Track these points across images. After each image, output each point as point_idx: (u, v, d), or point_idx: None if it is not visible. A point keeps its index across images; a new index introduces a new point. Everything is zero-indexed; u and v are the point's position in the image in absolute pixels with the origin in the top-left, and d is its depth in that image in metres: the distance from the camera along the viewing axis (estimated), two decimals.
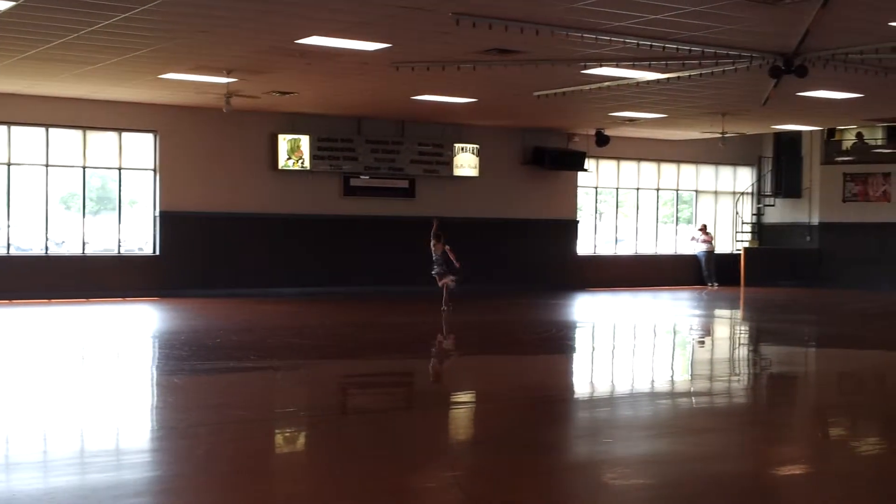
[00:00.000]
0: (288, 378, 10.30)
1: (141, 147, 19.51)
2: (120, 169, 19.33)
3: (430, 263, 17.20)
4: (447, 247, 16.99)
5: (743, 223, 27.00)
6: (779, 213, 26.76)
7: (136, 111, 19.03)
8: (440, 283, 17.14)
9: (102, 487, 5.87)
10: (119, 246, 19.51)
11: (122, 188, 19.43)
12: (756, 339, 15.51)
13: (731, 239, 26.80)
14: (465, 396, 9.81)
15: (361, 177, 21.30)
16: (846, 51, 13.03)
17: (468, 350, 12.97)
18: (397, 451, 6.95)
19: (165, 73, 15.26)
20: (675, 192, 26.04)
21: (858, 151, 25.67)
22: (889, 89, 16.03)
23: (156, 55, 13.77)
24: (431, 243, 17.16)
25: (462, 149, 22.22)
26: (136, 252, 19.78)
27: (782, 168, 26.28)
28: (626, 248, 25.20)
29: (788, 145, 26.21)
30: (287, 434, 7.78)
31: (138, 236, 19.83)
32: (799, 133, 25.51)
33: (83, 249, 19.13)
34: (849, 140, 25.98)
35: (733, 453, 7.13)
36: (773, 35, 12.24)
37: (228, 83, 15.70)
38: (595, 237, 24.84)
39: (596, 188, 24.74)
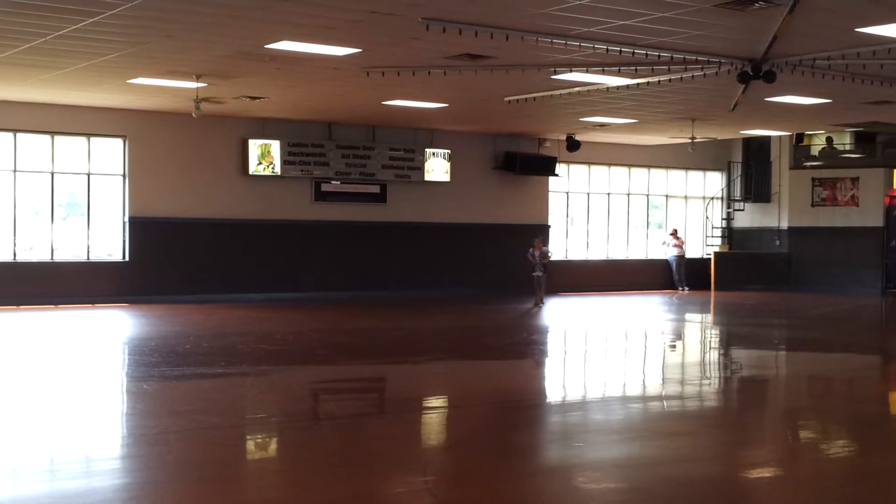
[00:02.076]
0: (258, 384, 10.25)
1: (110, 152, 19.37)
2: (89, 174, 19.20)
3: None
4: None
5: (713, 228, 27.16)
6: (748, 217, 26.93)
7: (105, 116, 18.91)
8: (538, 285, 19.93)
9: (72, 495, 5.83)
10: (88, 252, 19.36)
11: (90, 194, 19.29)
12: (726, 343, 15.59)
13: (702, 243, 26.94)
14: (436, 402, 9.79)
15: (332, 182, 21.25)
16: (814, 56, 13.14)
17: (440, 355, 12.96)
18: (368, 456, 6.93)
19: (134, 77, 15.16)
20: (645, 196, 26.15)
21: (827, 156, 25.89)
22: (856, 94, 16.17)
23: (125, 60, 13.68)
24: (537, 249, 19.96)
25: (433, 154, 22.23)
26: (106, 258, 19.63)
27: (752, 173, 26.46)
28: (597, 253, 25.26)
29: (758, 150, 26.40)
30: (257, 440, 7.73)
31: (108, 242, 19.68)
32: (768, 138, 25.69)
33: (52, 255, 18.96)
34: (817, 145, 26.19)
35: (704, 456, 7.15)
36: (742, 41, 12.32)
37: (198, 88, 15.62)
38: (566, 242, 24.90)
39: (567, 193, 24.80)
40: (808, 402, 10.14)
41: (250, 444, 7.60)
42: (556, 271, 24.16)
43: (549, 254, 20.74)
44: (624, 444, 7.55)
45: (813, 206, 25.70)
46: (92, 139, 19.13)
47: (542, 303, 19.97)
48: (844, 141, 25.91)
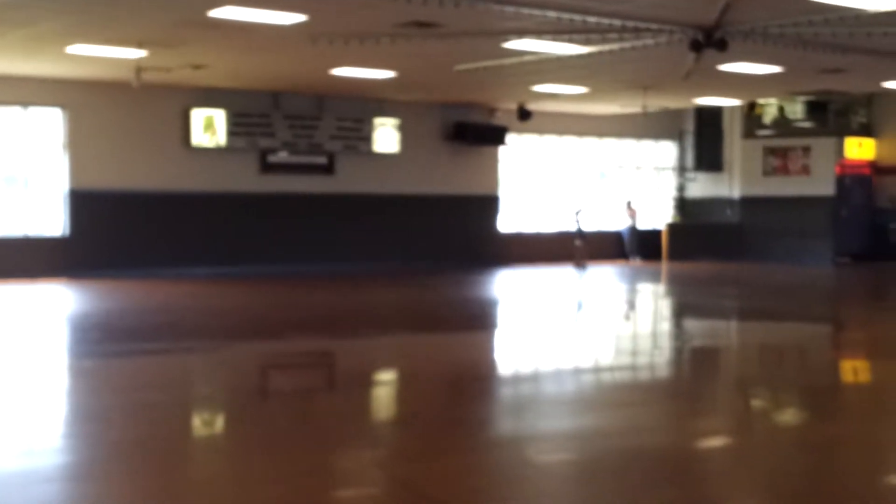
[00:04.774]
0: (204, 360, 10.04)
1: (48, 123, 18.91)
2: (26, 146, 18.72)
3: None
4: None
5: (665, 198, 27.19)
6: (700, 187, 26.99)
7: (43, 86, 18.43)
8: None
9: (11, 475, 5.64)
10: (26, 227, 18.91)
11: (28, 166, 18.82)
12: (678, 314, 15.61)
13: (654, 214, 26.96)
14: (386, 375, 9.66)
15: (279, 153, 20.93)
16: (766, 24, 13.08)
17: (390, 329, 12.81)
18: (318, 432, 6.78)
19: (73, 46, 14.75)
20: (597, 166, 26.08)
21: (779, 125, 25.96)
22: (808, 63, 16.17)
23: (62, 28, 13.29)
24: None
25: (382, 124, 21.98)
26: (45, 233, 19.15)
27: (704, 142, 26.49)
28: (548, 224, 25.18)
29: (709, 119, 26.42)
30: (204, 417, 7.58)
31: (47, 216, 19.21)
32: (720, 107, 25.72)
33: None
34: (769, 114, 26.26)
35: (656, 426, 7.10)
36: (694, 9, 12.23)
37: (139, 57, 15.25)
38: (518, 212, 24.79)
39: (518, 163, 24.67)
40: (760, 371, 10.12)
41: (196, 421, 7.44)
42: (508, 243, 24.14)
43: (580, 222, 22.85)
44: (576, 415, 7.48)
45: (764, 175, 25.80)
46: (29, 109, 18.66)
47: (584, 268, 22.07)
48: (796, 110, 26.00)
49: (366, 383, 8.95)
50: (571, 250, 22.72)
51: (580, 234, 22.77)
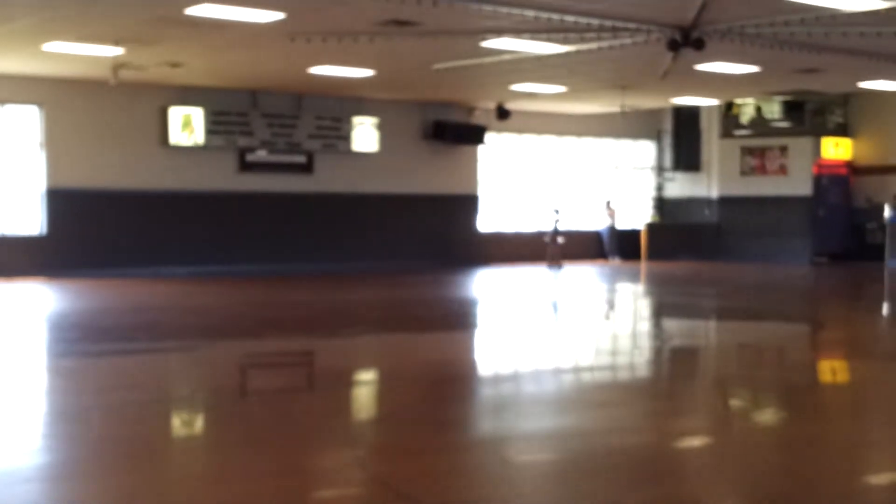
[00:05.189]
0: (183, 360, 10.00)
1: (25, 121, 18.77)
2: (2, 145, 18.59)
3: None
4: None
5: (644, 198, 27.26)
6: (679, 187, 27.07)
7: (19, 84, 18.31)
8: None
9: None
10: (3, 225, 18.77)
11: (4, 165, 18.68)
12: (657, 313, 15.65)
13: (632, 213, 27.02)
14: (366, 375, 9.64)
15: (258, 152, 20.86)
16: (742, 24, 13.13)
17: (369, 328, 12.78)
18: (297, 431, 6.75)
19: (49, 43, 14.65)
20: (576, 166, 26.12)
21: (756, 125, 26.07)
22: (785, 63, 16.26)
23: (38, 25, 13.20)
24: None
25: (361, 123, 21.94)
26: (21, 232, 19.01)
27: (682, 142, 26.58)
28: (527, 224, 25.20)
29: (687, 119, 26.50)
30: (184, 416, 7.54)
31: (24, 215, 19.06)
32: (698, 107, 25.81)
33: None
34: (747, 114, 26.37)
35: (635, 426, 7.11)
36: (671, 8, 12.27)
37: (116, 55, 15.16)
38: (496, 212, 24.80)
39: (497, 163, 24.68)
40: (738, 370, 10.15)
41: (175, 421, 7.40)
42: (486, 242, 24.15)
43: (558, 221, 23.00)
44: (555, 415, 7.47)
45: (742, 175, 25.90)
46: (5, 107, 18.54)
47: (559, 267, 22.33)
48: (773, 110, 26.12)
49: (345, 383, 8.91)
50: (546, 250, 22.77)
51: (556, 233, 22.79)
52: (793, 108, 25.47)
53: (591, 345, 11.66)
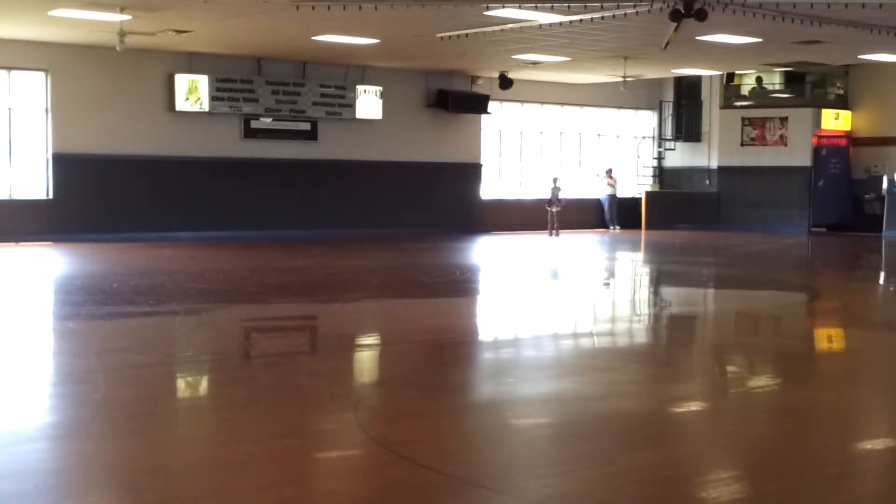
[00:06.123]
0: (188, 323, 10.11)
1: (32, 87, 18.84)
2: (10, 109, 18.68)
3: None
4: None
5: (644, 167, 27.32)
6: (679, 157, 27.12)
7: (26, 49, 18.37)
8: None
9: None
10: (10, 189, 18.90)
11: (12, 129, 18.78)
12: (656, 281, 15.76)
13: (633, 182, 27.09)
14: (368, 339, 9.75)
15: (262, 119, 20.94)
16: None
17: (372, 294, 12.92)
18: (299, 394, 6.88)
19: (56, 9, 14.70)
20: (578, 135, 26.18)
21: (757, 96, 26.10)
22: (786, 34, 16.27)
23: None
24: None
25: (365, 91, 21.99)
26: (29, 196, 19.14)
27: (683, 112, 26.61)
28: (529, 192, 25.29)
29: (689, 89, 26.52)
30: (187, 379, 7.64)
31: (31, 179, 19.19)
32: (699, 78, 25.81)
33: None
34: (747, 85, 26.38)
35: (632, 391, 7.21)
36: None
37: (122, 21, 15.21)
38: (499, 180, 24.89)
39: (500, 131, 24.74)
40: (736, 337, 10.29)
41: (179, 383, 7.50)
42: (488, 210, 24.25)
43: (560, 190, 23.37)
44: (554, 379, 7.57)
45: (742, 145, 25.95)
46: (13, 73, 18.60)
47: (557, 234, 22.80)
48: (774, 81, 26.14)
49: (347, 347, 9.03)
50: (546, 217, 22.89)
51: (556, 200, 23.06)
52: (793, 80, 25.50)
53: (590, 311, 11.80)
